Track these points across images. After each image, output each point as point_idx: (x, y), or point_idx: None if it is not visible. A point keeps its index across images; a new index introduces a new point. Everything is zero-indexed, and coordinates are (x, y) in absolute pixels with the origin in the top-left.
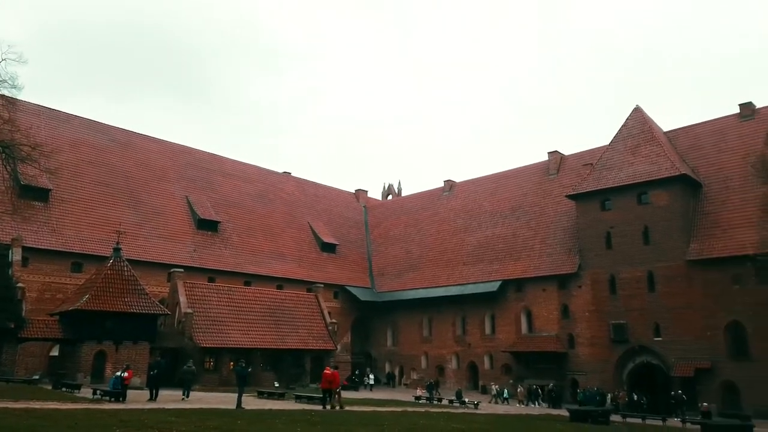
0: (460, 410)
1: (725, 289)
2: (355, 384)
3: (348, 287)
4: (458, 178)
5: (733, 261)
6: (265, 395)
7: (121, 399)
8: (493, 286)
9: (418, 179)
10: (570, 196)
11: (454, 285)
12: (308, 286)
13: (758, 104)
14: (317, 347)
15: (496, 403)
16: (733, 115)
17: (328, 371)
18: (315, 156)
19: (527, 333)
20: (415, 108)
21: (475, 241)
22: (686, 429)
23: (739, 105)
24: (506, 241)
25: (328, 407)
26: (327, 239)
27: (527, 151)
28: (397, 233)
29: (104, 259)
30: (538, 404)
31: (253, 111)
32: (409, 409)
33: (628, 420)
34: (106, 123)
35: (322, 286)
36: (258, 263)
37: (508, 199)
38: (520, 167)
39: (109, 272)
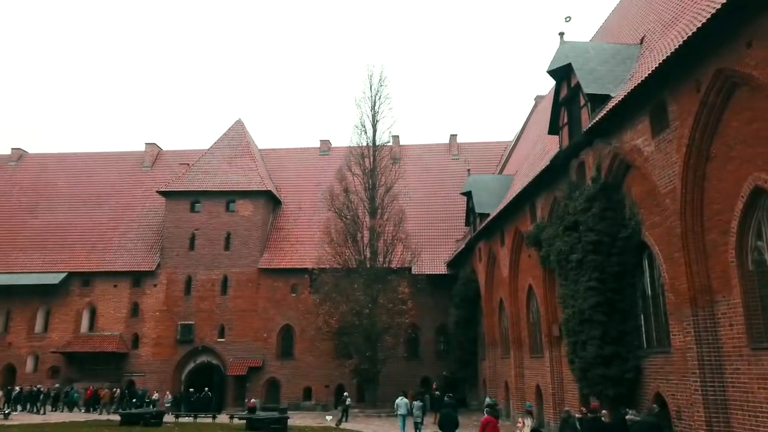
0: None
1: (285, 296)
2: None
3: None
4: (31, 149)
5: (294, 272)
6: None
7: None
8: (55, 278)
9: None
10: (161, 192)
11: (3, 273)
12: None
13: (334, 144)
14: None
15: None
16: (315, 147)
17: None
18: None
19: (87, 332)
20: None
21: (40, 225)
22: (233, 424)
23: (320, 140)
24: (80, 229)
25: None
26: None
27: (122, 137)
28: None
29: None
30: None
31: None
32: None
33: (180, 420)
34: None
35: None
36: None
37: (92, 183)
38: (112, 152)
39: None
